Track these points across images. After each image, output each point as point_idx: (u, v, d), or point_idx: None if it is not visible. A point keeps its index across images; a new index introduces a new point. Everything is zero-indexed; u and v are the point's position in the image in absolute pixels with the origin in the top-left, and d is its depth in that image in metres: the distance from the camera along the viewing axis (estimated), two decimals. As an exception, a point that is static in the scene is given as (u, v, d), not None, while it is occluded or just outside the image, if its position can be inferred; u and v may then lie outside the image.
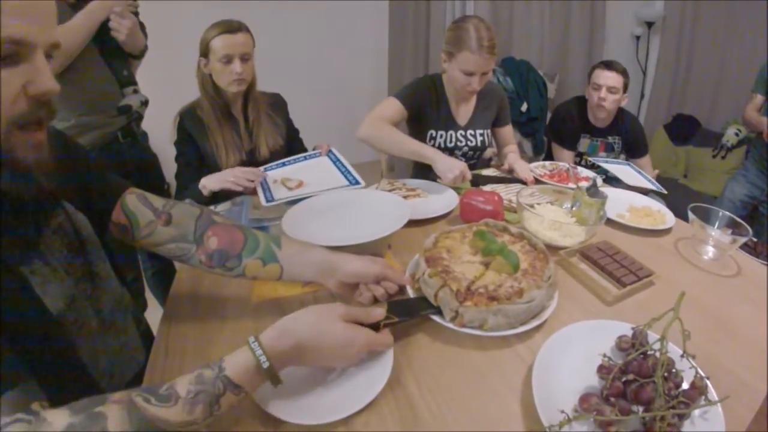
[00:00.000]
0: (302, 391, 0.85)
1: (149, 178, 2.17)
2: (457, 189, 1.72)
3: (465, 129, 2.18)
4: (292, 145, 2.21)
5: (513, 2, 4.34)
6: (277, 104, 2.19)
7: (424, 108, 2.09)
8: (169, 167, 2.06)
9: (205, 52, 1.88)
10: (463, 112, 2.18)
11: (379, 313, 0.90)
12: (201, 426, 0.69)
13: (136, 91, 1.97)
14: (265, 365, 0.73)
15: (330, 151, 1.89)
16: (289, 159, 1.88)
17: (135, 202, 1.01)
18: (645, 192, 2.14)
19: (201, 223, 1.03)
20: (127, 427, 0.61)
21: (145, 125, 2.19)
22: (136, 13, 1.92)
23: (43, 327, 0.73)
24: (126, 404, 0.63)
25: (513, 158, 2.08)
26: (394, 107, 1.98)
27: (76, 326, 0.83)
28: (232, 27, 1.86)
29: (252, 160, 2.01)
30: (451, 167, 1.71)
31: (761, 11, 3.98)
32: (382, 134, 1.89)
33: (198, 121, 1.93)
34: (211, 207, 1.64)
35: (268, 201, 1.53)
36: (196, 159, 1.96)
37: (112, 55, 1.88)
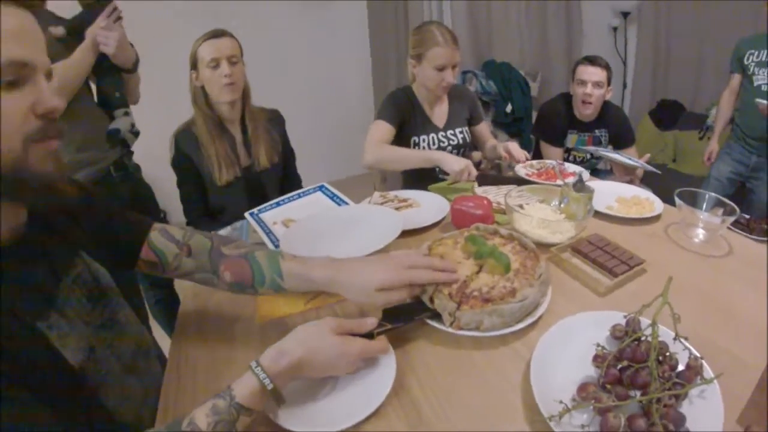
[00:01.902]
0: (310, 402, 0.88)
1: (144, 210, 2.16)
2: (448, 195, 1.75)
3: (444, 130, 2.28)
4: (287, 165, 2.21)
5: (490, 4, 4.40)
6: (276, 120, 2.18)
7: (405, 118, 2.19)
8: (164, 195, 2.07)
9: (194, 63, 1.89)
10: (439, 115, 2.28)
11: (371, 322, 0.93)
12: None
13: (126, 113, 2.00)
14: (270, 387, 0.78)
15: (323, 185, 1.83)
16: (282, 198, 1.77)
17: (160, 239, 1.07)
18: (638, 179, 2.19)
19: (213, 256, 1.07)
20: None
21: (138, 156, 2.22)
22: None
23: (65, 380, 0.75)
24: None
25: (505, 145, 2.10)
26: (384, 128, 2.09)
27: (99, 375, 0.84)
28: (216, 33, 1.88)
29: (248, 175, 2.01)
30: (455, 160, 1.85)
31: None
32: (387, 155, 2.03)
33: (193, 140, 1.93)
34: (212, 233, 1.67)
35: (276, 246, 1.44)
36: (196, 183, 1.97)
37: (104, 74, 1.92)
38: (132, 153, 2.17)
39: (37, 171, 0.70)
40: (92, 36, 1.79)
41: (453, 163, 1.84)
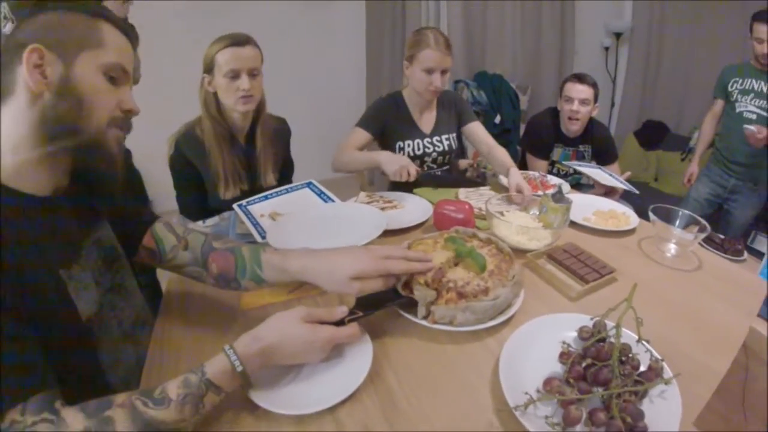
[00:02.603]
0: (291, 385, 0.92)
1: (133, 195, 2.19)
2: (432, 199, 1.80)
3: (431, 136, 2.30)
4: (283, 178, 2.11)
5: (485, 18, 4.47)
6: (282, 132, 2.09)
7: (388, 124, 2.22)
8: (152, 183, 2.07)
9: (209, 67, 1.75)
10: (426, 121, 2.31)
11: (342, 310, 0.97)
12: (189, 423, 0.80)
13: None
14: (239, 369, 0.83)
15: (311, 182, 1.86)
16: (271, 192, 1.79)
17: (162, 229, 1.16)
18: (617, 195, 2.25)
19: (204, 249, 1.13)
20: (131, 428, 0.72)
21: (129, 142, 2.22)
22: (126, 19, 1.99)
23: (73, 330, 0.85)
24: (129, 408, 0.73)
25: (518, 182, 1.77)
26: (357, 135, 2.14)
27: (101, 334, 0.93)
28: (239, 39, 1.73)
29: (254, 190, 1.87)
30: (392, 161, 1.81)
31: (725, 19, 4.16)
32: (343, 160, 2.06)
33: (197, 144, 1.81)
34: (200, 222, 1.69)
35: (263, 237, 1.48)
36: (197, 188, 1.88)
37: None
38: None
39: (107, 146, 0.90)
40: None
41: (389, 165, 1.80)
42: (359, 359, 0.97)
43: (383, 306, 1.08)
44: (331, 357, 0.97)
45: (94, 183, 0.98)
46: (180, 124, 1.86)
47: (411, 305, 1.10)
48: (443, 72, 2.10)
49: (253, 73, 1.75)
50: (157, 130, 2.00)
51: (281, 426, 0.85)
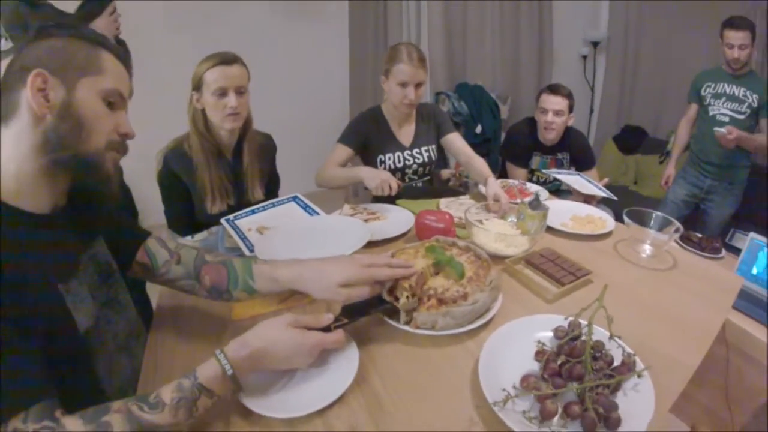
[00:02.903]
0: (281, 390, 0.97)
1: (121, 208, 2.22)
2: (414, 209, 1.85)
3: (411, 148, 2.36)
4: (269, 193, 2.10)
5: (465, 31, 4.57)
6: (268, 147, 2.12)
7: (369, 139, 2.28)
8: (139, 198, 2.07)
9: (197, 85, 1.78)
10: (406, 134, 2.37)
11: (328, 317, 1.01)
12: (183, 426, 0.83)
13: None
14: (229, 372, 0.87)
15: (296, 196, 1.88)
16: (257, 207, 1.81)
17: (155, 244, 1.20)
18: (596, 201, 2.32)
19: (197, 263, 1.18)
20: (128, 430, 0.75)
21: (132, 159, 2.25)
22: (118, 35, 2.05)
23: (71, 342, 0.88)
24: (125, 413, 0.76)
25: (496, 191, 1.84)
26: (339, 151, 2.22)
27: (97, 346, 0.97)
28: (227, 59, 1.77)
29: (241, 205, 1.90)
30: (373, 176, 1.88)
31: (698, 26, 4.28)
32: (326, 176, 2.15)
33: (185, 160, 1.84)
34: (189, 237, 1.72)
35: (251, 250, 1.51)
36: (185, 203, 1.91)
37: None
38: None
39: (104, 167, 0.95)
40: None
41: (371, 180, 1.87)
42: (346, 364, 1.01)
43: (368, 313, 1.12)
44: (319, 363, 1.01)
45: (90, 201, 1.02)
46: (168, 140, 1.90)
47: (394, 312, 1.14)
48: (417, 85, 2.16)
49: (240, 91, 1.79)
50: (145, 146, 2.01)
51: (273, 429, 0.89)
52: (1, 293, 0.75)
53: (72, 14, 1.99)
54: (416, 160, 2.36)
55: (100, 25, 1.92)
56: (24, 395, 0.73)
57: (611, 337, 1.01)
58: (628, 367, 0.96)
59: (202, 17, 3.96)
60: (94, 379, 0.95)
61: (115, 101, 0.95)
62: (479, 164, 2.15)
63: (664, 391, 0.95)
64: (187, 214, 1.93)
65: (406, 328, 1.13)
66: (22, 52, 0.90)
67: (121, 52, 1.00)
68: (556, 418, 0.87)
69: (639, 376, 0.95)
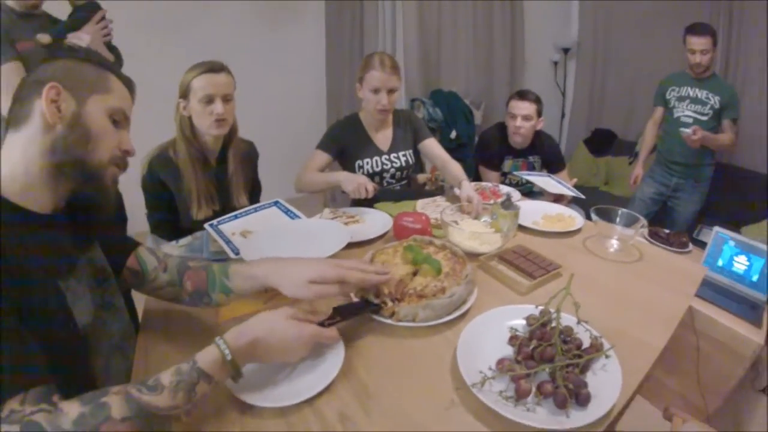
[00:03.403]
0: (272, 382, 1.02)
1: (113, 215, 2.24)
2: (392, 212, 1.91)
3: (388, 153, 2.42)
4: (252, 197, 2.16)
5: (440, 40, 4.69)
6: (250, 154, 2.15)
7: (347, 145, 2.34)
8: (131, 205, 2.08)
9: (185, 93, 1.82)
10: (383, 139, 2.43)
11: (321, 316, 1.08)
12: (182, 410, 0.84)
13: None
14: (228, 357, 0.90)
15: (277, 201, 1.91)
16: (240, 212, 1.84)
17: (145, 252, 1.25)
18: (567, 201, 2.41)
19: (180, 269, 1.23)
20: (126, 413, 0.77)
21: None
22: (109, 42, 2.09)
23: (70, 337, 0.92)
24: (124, 394, 0.78)
25: (469, 194, 1.91)
26: (317, 157, 2.27)
27: (95, 344, 1.01)
28: (214, 67, 1.81)
29: (226, 210, 1.89)
30: (350, 180, 1.96)
31: (664, 33, 4.45)
32: (305, 181, 2.21)
33: (170, 166, 1.87)
34: (173, 242, 1.75)
35: (236, 254, 1.53)
36: (169, 209, 1.93)
37: None
38: None
39: (104, 180, 1.01)
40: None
41: (348, 183, 1.95)
42: (333, 356, 1.07)
43: (359, 313, 1.20)
44: (307, 356, 1.06)
45: (87, 209, 1.06)
46: (151, 146, 1.92)
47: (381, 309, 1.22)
48: (390, 91, 2.23)
49: (226, 99, 1.83)
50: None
51: (266, 419, 0.94)
52: (3, 283, 0.78)
53: (63, 21, 2.03)
54: (394, 165, 2.42)
55: (88, 31, 1.96)
56: (23, 378, 0.75)
57: (579, 322, 1.09)
58: (596, 348, 1.04)
59: (179, 23, 4.00)
60: (92, 376, 0.98)
61: (119, 120, 1.03)
62: (454, 168, 2.22)
63: (631, 370, 1.03)
64: (170, 220, 1.95)
65: (389, 321, 1.19)
66: (37, 68, 0.98)
67: (126, 78, 1.09)
68: (530, 397, 0.93)
69: (606, 356, 1.02)
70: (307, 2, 4.54)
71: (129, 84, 1.10)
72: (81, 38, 1.94)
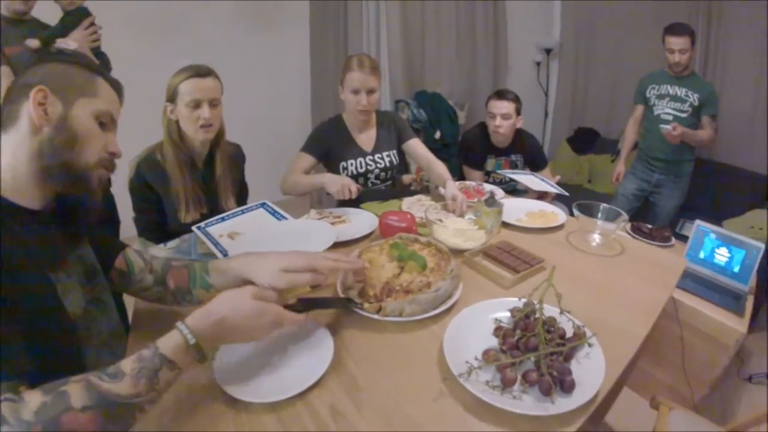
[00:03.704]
0: (263, 378, 1.03)
1: (105, 220, 2.22)
2: (377, 212, 1.92)
3: (372, 154, 2.45)
4: (239, 200, 2.16)
5: (423, 42, 4.72)
6: (238, 157, 2.16)
7: (331, 146, 2.36)
8: (123, 207, 2.07)
9: (172, 97, 1.81)
10: (366, 140, 2.46)
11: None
12: (145, 399, 0.81)
13: None
14: (192, 341, 0.88)
15: (264, 203, 1.92)
16: (227, 214, 1.85)
17: (133, 253, 1.27)
18: (551, 198, 2.44)
19: (164, 268, 1.26)
20: (87, 402, 0.73)
21: None
22: (98, 48, 2.10)
23: (61, 325, 0.94)
24: (84, 382, 0.76)
25: (453, 193, 1.95)
26: (302, 160, 2.30)
27: (86, 335, 1.03)
28: (201, 71, 1.80)
29: (214, 213, 1.90)
30: (334, 181, 1.99)
31: (644, 33, 4.52)
32: (291, 184, 2.23)
33: (157, 169, 1.87)
34: (161, 245, 1.76)
35: (224, 255, 1.54)
36: (157, 212, 1.92)
37: None
38: None
39: (91, 182, 1.02)
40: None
41: (332, 185, 1.98)
42: (322, 351, 1.09)
43: (325, 306, 1.25)
44: (296, 350, 1.10)
45: (75, 208, 1.06)
46: (138, 149, 1.92)
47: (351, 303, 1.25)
48: (369, 92, 2.26)
49: (213, 104, 1.83)
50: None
51: (259, 415, 0.95)
52: None
53: (52, 26, 2.04)
54: (378, 165, 2.45)
55: (76, 36, 1.97)
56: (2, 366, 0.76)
57: (561, 312, 1.12)
58: (579, 337, 1.07)
59: (165, 26, 3.99)
60: (84, 366, 0.98)
61: (106, 122, 1.04)
62: (439, 168, 2.25)
63: (615, 358, 1.06)
64: (157, 223, 1.95)
65: (376, 316, 1.21)
66: (26, 71, 1.00)
67: (114, 80, 1.10)
68: (516, 385, 0.96)
69: (589, 344, 1.05)
70: (291, 4, 4.55)
71: (117, 87, 1.11)
72: (68, 44, 1.94)
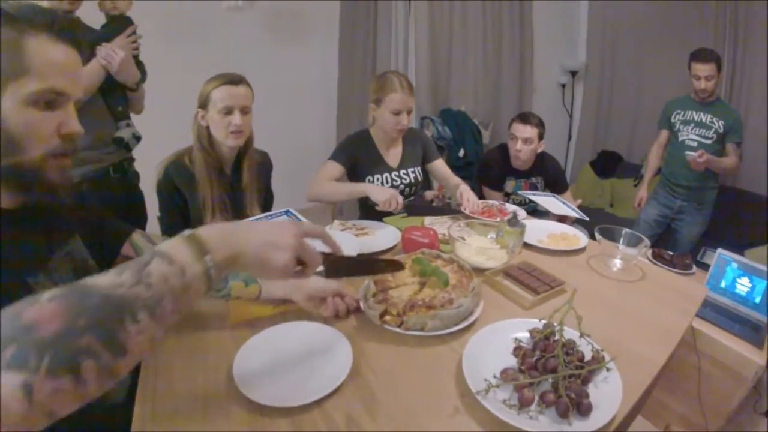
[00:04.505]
0: (280, 382, 1.05)
1: (133, 214, 2.31)
2: (400, 226, 1.95)
3: (398, 170, 2.47)
4: (264, 208, 2.16)
5: (450, 60, 4.76)
6: (265, 165, 2.17)
7: (358, 159, 2.39)
8: (154, 207, 2.12)
9: (204, 103, 1.84)
10: (393, 156, 2.48)
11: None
12: (131, 294, 0.63)
13: (128, 125, 2.16)
14: (188, 233, 0.75)
15: (288, 210, 1.92)
16: (251, 219, 1.84)
17: (141, 239, 1.24)
18: (571, 221, 2.45)
19: None
20: (57, 293, 0.59)
21: (138, 167, 2.35)
22: (136, 56, 2.15)
23: None
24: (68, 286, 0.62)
25: (463, 189, 2.28)
26: (331, 168, 2.30)
27: None
28: (233, 79, 1.84)
29: (238, 219, 1.89)
30: (382, 191, 2.03)
31: (669, 58, 4.50)
32: (324, 190, 2.24)
33: (186, 173, 1.89)
34: None
35: None
36: (182, 215, 1.94)
37: (109, 89, 2.07)
38: (133, 159, 2.33)
39: (46, 176, 0.88)
40: (100, 55, 1.97)
41: (379, 194, 2.01)
42: (341, 360, 1.11)
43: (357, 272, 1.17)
44: (315, 358, 1.12)
45: (45, 208, 0.98)
46: (169, 152, 1.96)
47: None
48: (408, 112, 2.30)
49: (245, 111, 1.86)
50: (145, 156, 2.17)
51: (274, 419, 0.97)
52: None
53: (98, 30, 2.10)
54: (403, 181, 2.47)
55: (120, 44, 2.02)
56: None
57: (581, 336, 1.13)
58: (597, 361, 1.08)
59: (193, 34, 4.06)
60: None
61: (52, 99, 0.85)
62: (455, 180, 2.41)
63: (632, 384, 1.06)
64: (182, 226, 1.91)
65: (398, 329, 1.23)
66: None
67: (62, 29, 0.87)
68: (533, 405, 0.97)
69: (607, 368, 1.06)
70: (319, 16, 4.61)
71: (68, 30, 0.88)
72: (116, 52, 1.99)
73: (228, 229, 0.80)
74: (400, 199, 1.99)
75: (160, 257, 0.68)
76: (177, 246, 0.72)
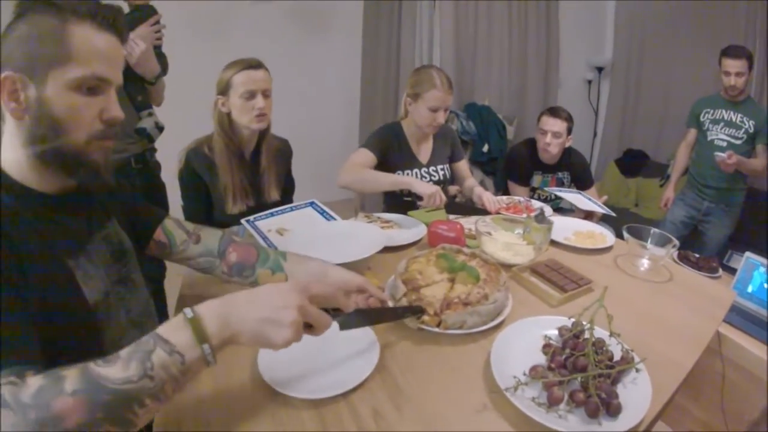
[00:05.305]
0: (307, 374, 1.05)
1: (154, 204, 2.33)
2: (425, 220, 1.94)
3: (428, 166, 2.46)
4: (284, 198, 2.18)
5: (475, 54, 4.73)
6: (285, 151, 2.20)
7: (390, 152, 2.36)
8: (175, 197, 2.14)
9: (224, 89, 1.87)
10: (424, 151, 2.47)
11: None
12: (139, 387, 0.71)
13: (150, 114, 2.17)
14: (189, 315, 0.77)
15: (313, 202, 1.94)
16: (276, 210, 1.86)
17: (172, 225, 1.28)
18: (597, 218, 2.42)
19: (223, 241, 1.29)
20: (77, 386, 0.67)
21: (160, 158, 2.39)
22: (159, 47, 2.17)
23: (79, 312, 0.93)
24: (82, 368, 0.70)
25: (480, 191, 2.33)
26: (365, 155, 2.25)
27: (107, 321, 1.01)
28: (252, 63, 1.87)
29: (258, 205, 1.98)
30: (428, 186, 1.99)
31: (698, 54, 4.44)
32: (361, 177, 2.17)
33: (206, 160, 1.92)
34: None
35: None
36: (204, 202, 1.97)
37: (128, 80, 2.07)
38: (155, 150, 2.35)
39: (91, 159, 0.93)
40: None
41: (425, 188, 1.97)
42: (368, 353, 1.11)
43: (383, 319, 1.21)
44: (342, 351, 1.11)
45: (88, 191, 1.03)
46: (190, 141, 1.99)
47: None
48: (445, 110, 2.28)
49: (266, 94, 1.89)
50: (168, 146, 2.19)
51: (299, 411, 0.97)
52: (3, 262, 0.78)
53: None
54: (432, 178, 2.46)
55: (142, 33, 2.02)
56: (6, 352, 0.73)
57: (611, 335, 1.11)
58: (626, 361, 1.06)
59: (215, 25, 4.10)
60: (101, 350, 0.89)
61: (94, 85, 0.89)
62: (471, 181, 2.55)
63: (660, 386, 1.04)
64: (204, 213, 1.99)
65: (437, 329, 1.22)
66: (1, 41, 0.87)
67: (105, 16, 0.90)
68: (562, 404, 0.96)
69: (637, 369, 1.05)
70: (344, 13, 4.63)
71: (107, 22, 0.91)
72: (137, 43, 1.99)
73: (227, 306, 0.82)
74: (443, 196, 1.97)
75: (162, 347, 0.74)
76: (178, 330, 0.76)
